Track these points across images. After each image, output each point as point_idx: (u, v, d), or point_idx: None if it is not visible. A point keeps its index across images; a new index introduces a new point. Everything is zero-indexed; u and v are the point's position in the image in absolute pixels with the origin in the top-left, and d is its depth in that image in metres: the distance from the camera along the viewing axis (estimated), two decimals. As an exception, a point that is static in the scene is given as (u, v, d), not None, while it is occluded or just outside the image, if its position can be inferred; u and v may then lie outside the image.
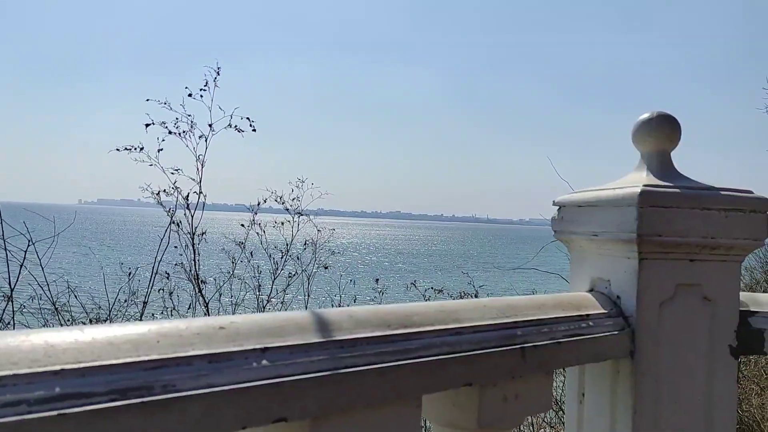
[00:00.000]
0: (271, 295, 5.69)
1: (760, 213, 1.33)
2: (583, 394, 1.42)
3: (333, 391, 0.83)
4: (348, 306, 1.07)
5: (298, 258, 6.03)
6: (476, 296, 5.97)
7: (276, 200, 6.01)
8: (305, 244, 6.20)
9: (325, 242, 6.35)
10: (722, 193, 1.30)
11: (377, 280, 6.69)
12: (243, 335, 0.79)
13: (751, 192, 1.34)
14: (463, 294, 6.23)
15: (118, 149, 5.00)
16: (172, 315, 5.13)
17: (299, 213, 6.06)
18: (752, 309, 1.39)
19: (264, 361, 0.78)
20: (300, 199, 6.05)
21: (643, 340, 1.28)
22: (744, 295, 1.40)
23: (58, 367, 0.64)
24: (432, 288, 6.40)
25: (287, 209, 6.03)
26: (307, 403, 0.80)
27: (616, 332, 1.26)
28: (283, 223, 6.06)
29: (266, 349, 0.79)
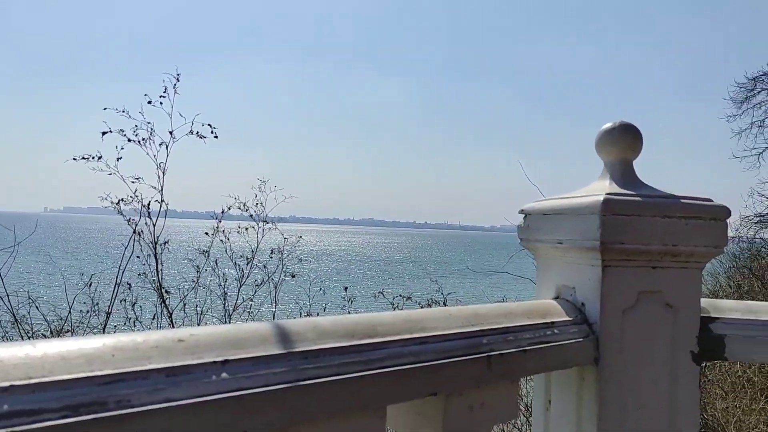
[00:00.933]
0: (238, 303, 5.62)
1: (719, 221, 1.35)
2: (550, 401, 1.43)
3: (296, 403, 0.82)
4: (317, 314, 1.06)
5: (264, 266, 5.96)
6: (445, 304, 5.99)
7: (239, 207, 5.93)
8: (271, 252, 6.13)
9: (291, 250, 6.28)
10: (682, 201, 1.32)
11: (346, 288, 6.67)
12: (203, 347, 0.77)
13: (710, 200, 1.37)
14: (431, 302, 6.23)
15: (75, 158, 4.91)
16: (135, 326, 5.04)
17: (264, 220, 5.98)
18: (713, 315, 1.41)
19: (224, 374, 0.76)
20: (263, 204, 5.98)
21: (606, 347, 1.29)
22: (705, 302, 1.43)
23: (6, 384, 0.62)
24: (401, 295, 6.40)
25: (251, 216, 5.96)
26: (269, 415, 0.79)
27: (580, 339, 1.27)
28: (247, 229, 5.99)
29: (226, 361, 0.77)
